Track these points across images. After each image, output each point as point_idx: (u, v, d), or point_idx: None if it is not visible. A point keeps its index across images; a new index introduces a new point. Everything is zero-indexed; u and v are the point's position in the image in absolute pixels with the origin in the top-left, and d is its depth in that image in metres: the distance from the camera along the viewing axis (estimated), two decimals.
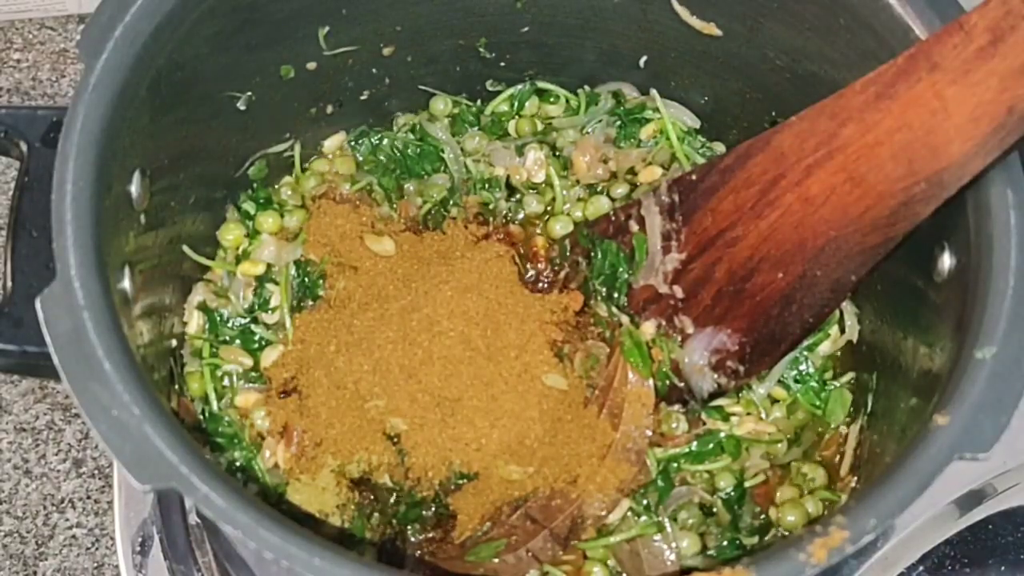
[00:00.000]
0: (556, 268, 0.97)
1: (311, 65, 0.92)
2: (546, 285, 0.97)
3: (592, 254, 0.94)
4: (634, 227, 0.90)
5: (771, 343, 0.86)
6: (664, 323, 0.90)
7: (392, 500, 0.87)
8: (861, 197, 0.72)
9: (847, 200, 0.73)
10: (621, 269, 0.92)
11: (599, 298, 0.94)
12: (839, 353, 0.94)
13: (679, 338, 0.90)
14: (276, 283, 0.93)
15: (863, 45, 0.80)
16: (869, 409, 0.89)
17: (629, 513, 0.87)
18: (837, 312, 0.94)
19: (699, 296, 0.87)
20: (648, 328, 0.90)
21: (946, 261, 0.76)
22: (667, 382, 0.90)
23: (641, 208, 0.89)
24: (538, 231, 1.00)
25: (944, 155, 0.66)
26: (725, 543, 0.87)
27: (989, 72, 0.61)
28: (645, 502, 0.87)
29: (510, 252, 0.94)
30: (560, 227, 0.98)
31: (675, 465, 0.89)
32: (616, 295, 0.92)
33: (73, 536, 1.05)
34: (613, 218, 0.93)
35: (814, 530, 0.62)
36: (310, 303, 0.93)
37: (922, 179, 0.68)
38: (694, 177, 0.85)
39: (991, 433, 0.64)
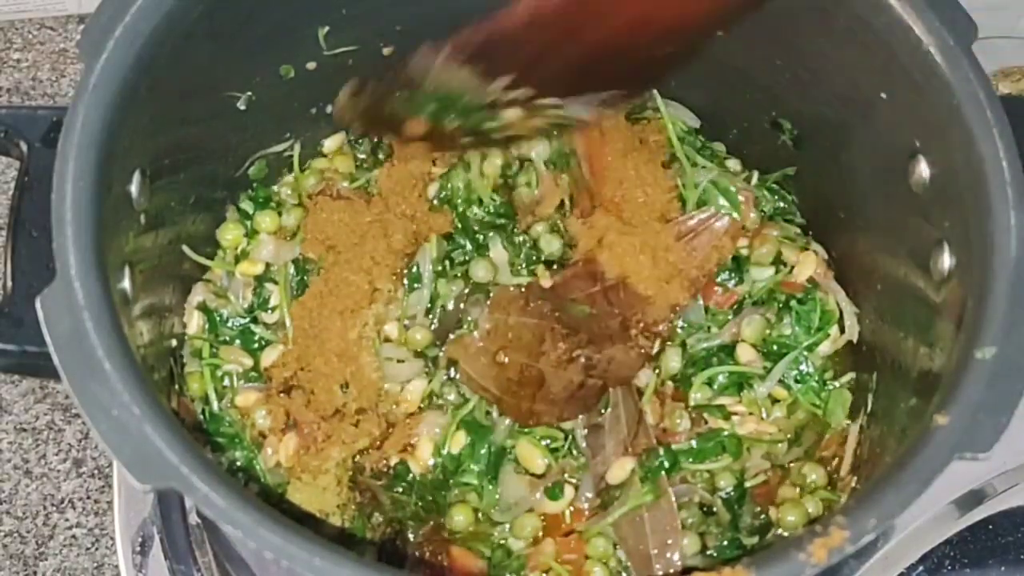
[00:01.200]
0: None
1: (311, 65, 0.92)
2: None
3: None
4: None
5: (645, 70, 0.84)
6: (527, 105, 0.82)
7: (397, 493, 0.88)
8: None
9: None
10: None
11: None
12: (839, 353, 0.94)
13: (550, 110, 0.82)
14: (275, 282, 0.93)
15: (863, 45, 0.80)
16: (869, 409, 0.89)
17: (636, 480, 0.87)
18: (837, 312, 0.94)
19: (551, 84, 0.81)
20: (511, 113, 0.82)
21: (946, 261, 0.76)
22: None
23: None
24: None
25: None
26: (725, 543, 0.87)
27: None
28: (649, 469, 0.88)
29: None
30: None
31: (676, 464, 0.89)
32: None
33: (73, 536, 1.05)
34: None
35: (814, 530, 0.62)
36: None
37: None
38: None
39: (991, 433, 0.64)
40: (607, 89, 0.82)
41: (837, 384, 0.93)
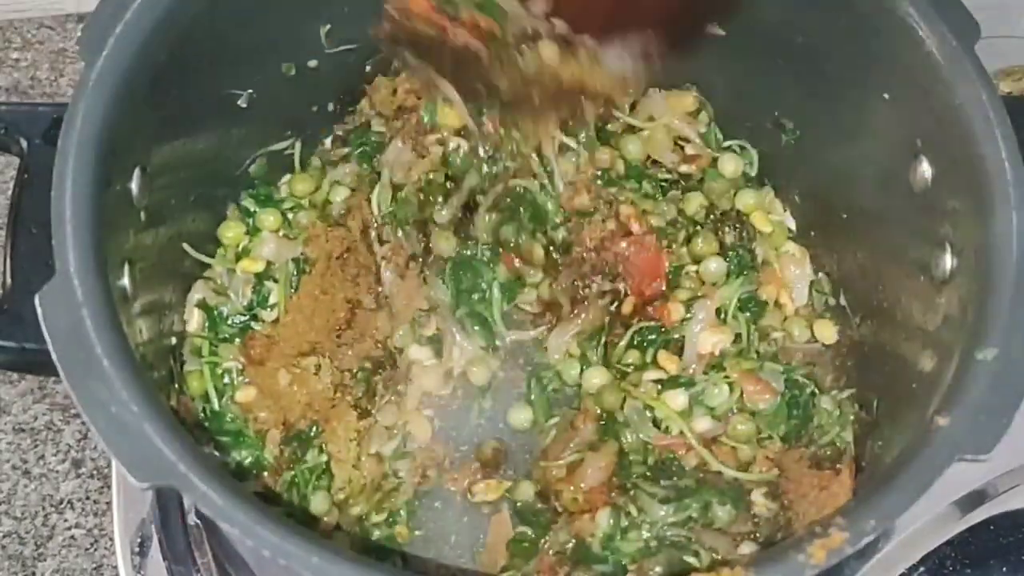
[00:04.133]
0: None
1: (312, 63, 0.92)
2: None
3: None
4: None
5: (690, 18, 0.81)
6: (564, 44, 0.80)
7: None
8: None
9: None
10: None
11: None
12: (840, 355, 0.94)
13: (586, 53, 0.80)
14: (275, 281, 0.93)
15: (866, 44, 0.80)
16: (869, 410, 0.89)
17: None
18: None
19: (589, 15, 0.79)
20: (548, 50, 0.79)
21: (947, 262, 0.76)
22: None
23: None
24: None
25: None
26: None
27: None
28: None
29: None
30: None
31: None
32: None
33: (72, 537, 1.05)
34: None
35: (814, 531, 0.62)
36: None
37: None
38: None
39: (992, 434, 0.64)
40: (642, 28, 0.79)
41: (838, 386, 0.93)
